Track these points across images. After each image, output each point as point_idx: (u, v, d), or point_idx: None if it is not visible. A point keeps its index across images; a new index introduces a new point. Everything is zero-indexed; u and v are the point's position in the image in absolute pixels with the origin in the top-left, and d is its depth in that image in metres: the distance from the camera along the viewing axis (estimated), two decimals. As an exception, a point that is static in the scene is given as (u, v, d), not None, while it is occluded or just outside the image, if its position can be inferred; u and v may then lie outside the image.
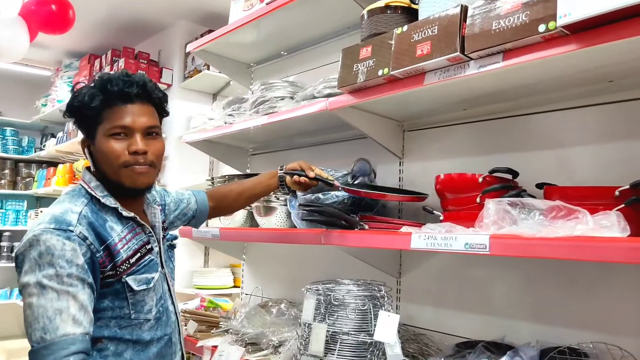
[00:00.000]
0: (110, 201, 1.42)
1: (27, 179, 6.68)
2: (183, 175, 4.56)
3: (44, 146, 6.19)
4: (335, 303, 1.62)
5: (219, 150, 2.83)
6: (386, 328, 1.55)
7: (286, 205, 2.28)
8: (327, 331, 1.59)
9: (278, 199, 2.29)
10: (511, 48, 1.34)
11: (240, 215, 2.53)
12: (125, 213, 1.44)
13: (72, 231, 1.30)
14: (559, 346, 1.44)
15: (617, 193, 1.32)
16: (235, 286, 4.47)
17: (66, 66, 5.75)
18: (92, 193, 1.42)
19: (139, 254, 1.43)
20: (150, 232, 1.52)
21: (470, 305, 1.85)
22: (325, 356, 1.58)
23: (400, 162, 2.15)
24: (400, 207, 2.12)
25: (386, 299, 1.66)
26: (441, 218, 1.68)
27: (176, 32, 4.76)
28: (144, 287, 1.42)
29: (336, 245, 1.77)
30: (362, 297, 1.62)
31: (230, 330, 2.04)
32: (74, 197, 1.41)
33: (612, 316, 1.51)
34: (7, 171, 6.58)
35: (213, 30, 2.90)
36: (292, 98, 2.28)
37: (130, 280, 1.38)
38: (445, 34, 1.47)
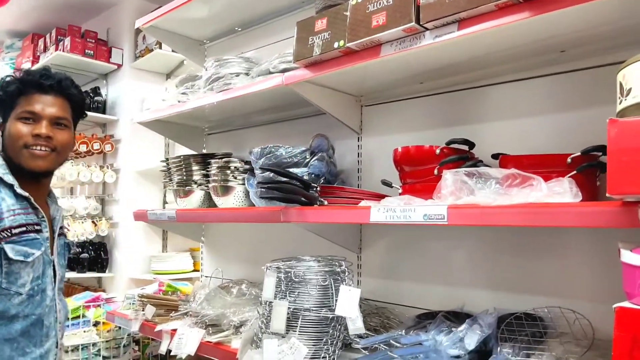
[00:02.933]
0: (8, 178, 1.53)
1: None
2: (137, 158, 4.42)
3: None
4: (296, 280, 1.61)
5: (174, 130, 2.75)
6: (347, 302, 1.55)
7: (244, 184, 2.24)
8: (288, 308, 1.58)
9: (236, 177, 2.24)
10: (466, 17, 1.33)
11: (197, 197, 2.47)
12: (19, 191, 1.53)
13: None
14: (516, 312, 1.47)
15: (569, 160, 1.35)
16: (195, 270, 4.40)
17: (8, 47, 5.45)
18: None
19: (24, 228, 1.51)
20: (43, 217, 1.60)
21: (431, 276, 1.87)
22: (287, 333, 1.57)
23: (358, 138, 2.13)
24: (360, 183, 2.11)
25: (347, 273, 1.66)
26: (400, 191, 1.68)
27: (126, 9, 4.58)
28: (21, 258, 1.49)
29: (296, 223, 1.75)
30: (323, 273, 1.61)
31: (190, 313, 2.00)
32: None
33: (566, 281, 1.55)
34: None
35: (163, 6, 2.79)
36: (247, 74, 2.23)
37: (7, 248, 1.46)
38: (400, 4, 1.45)
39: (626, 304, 0.97)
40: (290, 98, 2.07)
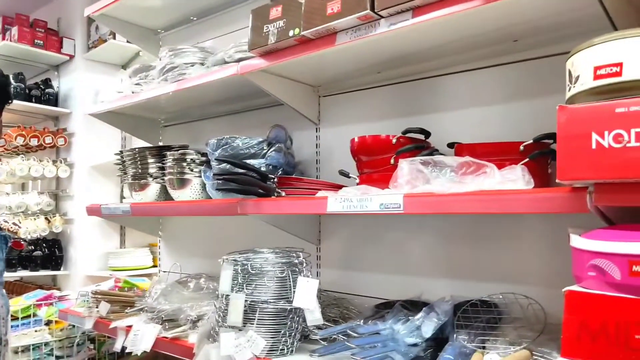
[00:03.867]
0: None
1: None
2: (92, 152, 4.29)
3: None
4: (253, 272, 1.58)
5: (128, 122, 2.67)
6: (305, 294, 1.54)
7: (201, 176, 2.19)
8: (246, 301, 1.55)
9: (192, 170, 2.19)
10: (420, 5, 1.33)
11: (152, 190, 2.41)
12: None
13: None
14: (471, 299, 1.49)
15: (521, 148, 1.36)
16: (154, 266, 4.30)
17: (-49, 36, 5.19)
18: None
19: None
20: None
21: (389, 266, 1.88)
22: (244, 326, 1.54)
23: (316, 129, 2.12)
24: (318, 174, 2.10)
25: (305, 265, 1.64)
26: (357, 181, 1.67)
27: (77, -2, 4.42)
28: None
29: (253, 215, 1.73)
30: (281, 265, 1.59)
31: (146, 309, 1.95)
32: None
33: (520, 267, 1.58)
34: None
35: (115, -6, 2.69)
36: (202, 64, 2.17)
37: None
38: (355, -8, 1.43)
39: (575, 288, 0.98)
40: (246, 88, 2.03)
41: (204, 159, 2.18)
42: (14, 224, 4.11)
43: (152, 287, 2.12)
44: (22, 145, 4.17)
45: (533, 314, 1.41)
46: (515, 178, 1.23)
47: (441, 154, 1.56)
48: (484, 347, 1.30)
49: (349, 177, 1.72)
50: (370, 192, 1.46)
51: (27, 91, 4.19)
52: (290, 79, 1.98)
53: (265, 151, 1.95)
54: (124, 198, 4.44)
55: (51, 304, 2.70)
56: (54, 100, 4.36)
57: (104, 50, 4.21)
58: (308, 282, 1.55)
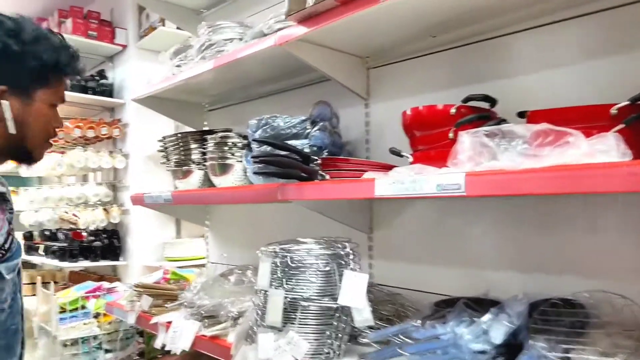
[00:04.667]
0: None
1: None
2: (146, 142, 4.26)
3: (1, 122, 5.84)
4: (294, 265, 1.40)
5: (172, 107, 2.57)
6: (353, 290, 1.34)
7: (242, 161, 2.04)
8: (285, 298, 1.38)
9: (234, 154, 2.04)
10: (481, -60, 1.09)
11: (196, 177, 2.29)
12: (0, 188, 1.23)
13: None
14: (550, 298, 1.25)
15: (613, 111, 1.10)
16: (210, 255, 4.26)
17: (15, 34, 5.35)
18: None
19: (10, 237, 1.20)
20: (11, 209, 1.28)
21: (449, 258, 1.65)
22: (284, 326, 1.37)
23: (365, 104, 1.91)
24: (368, 155, 1.89)
25: (352, 257, 1.45)
26: (410, 160, 1.45)
27: (128, -13, 4.40)
28: (12, 275, 1.21)
29: (294, 201, 1.55)
30: (325, 257, 1.41)
31: (185, 304, 1.82)
32: None
33: (610, 259, 1.31)
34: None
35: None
36: (241, 40, 2.01)
37: (2, 268, 1.17)
38: None
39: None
40: (288, 63, 1.85)
41: (245, 142, 2.02)
42: (74, 214, 4.17)
43: (194, 280, 2.00)
44: (80, 137, 4.21)
45: (631, 317, 1.15)
46: (606, 148, 0.98)
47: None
48: (568, 358, 1.07)
49: (401, 156, 1.50)
50: (425, 172, 1.24)
51: (83, 83, 4.22)
52: (333, 49, 1.78)
53: (308, 131, 1.77)
54: (177, 188, 4.43)
55: (99, 296, 2.66)
56: (109, 91, 4.37)
57: (154, 38, 4.16)
58: (356, 277, 1.36)
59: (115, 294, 2.64)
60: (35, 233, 5.33)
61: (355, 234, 1.80)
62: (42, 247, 4.67)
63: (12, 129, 1.21)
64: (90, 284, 2.87)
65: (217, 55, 1.98)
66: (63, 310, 2.47)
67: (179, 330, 1.72)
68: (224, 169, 2.07)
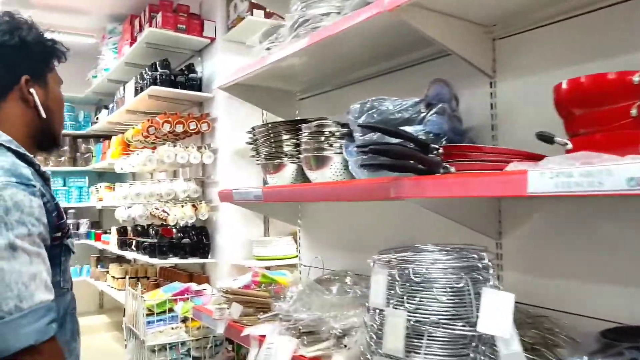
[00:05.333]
0: (30, 158, 1.26)
1: (86, 155, 6.57)
2: (234, 137, 4.15)
3: (97, 119, 6.01)
4: (417, 279, 1.12)
5: (261, 95, 2.36)
6: (496, 314, 1.04)
7: (342, 153, 1.78)
8: (408, 320, 1.10)
9: (332, 145, 1.79)
10: None
11: (288, 171, 2.06)
12: (46, 174, 1.30)
13: (34, 186, 1.16)
14: None
15: None
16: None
17: (110, 32, 5.46)
18: (12, 147, 1.23)
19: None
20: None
21: (612, 273, 1.29)
22: (408, 356, 1.10)
23: (491, 83, 1.58)
24: (495, 143, 1.56)
25: (491, 270, 1.14)
26: (568, 146, 1.12)
27: (217, -21, 4.29)
28: (75, 252, 1.32)
29: (412, 199, 1.26)
30: (456, 270, 1.11)
31: (281, 316, 1.59)
32: (2, 154, 1.21)
33: None
34: (66, 147, 6.49)
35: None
36: (339, 14, 1.75)
37: (69, 242, 1.28)
38: None
39: None
40: (395, 37, 1.58)
41: (345, 130, 1.76)
42: (164, 211, 4.13)
43: (289, 287, 1.77)
44: (169, 132, 4.17)
45: None
46: None
47: None
48: None
49: (553, 143, 1.17)
50: (605, 161, 0.91)
51: (172, 78, 4.17)
52: (452, 15, 1.47)
53: (423, 115, 1.47)
54: (267, 184, 4.28)
55: (187, 299, 2.52)
56: (197, 85, 4.30)
57: (242, 28, 4.01)
58: (499, 297, 1.05)
59: (204, 297, 2.49)
60: (129, 228, 5.43)
61: (479, 239, 1.48)
62: (134, 242, 4.71)
63: (43, 113, 1.31)
64: (177, 285, 2.75)
65: (312, 31, 1.73)
66: (150, 313, 2.35)
67: (273, 347, 1.49)
68: (321, 161, 1.82)
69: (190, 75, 4.27)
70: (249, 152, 4.11)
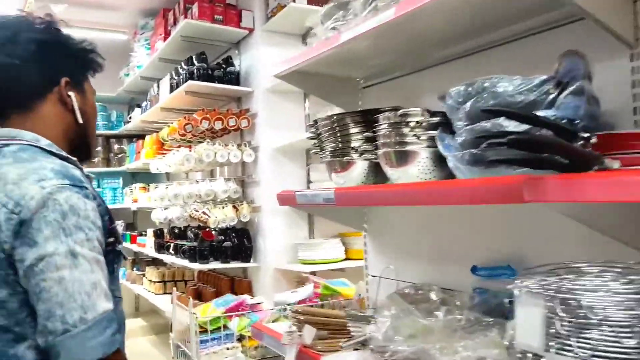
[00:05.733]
0: (75, 161, 1.23)
1: (120, 155, 6.41)
2: (275, 133, 3.89)
3: (131, 118, 5.83)
4: (587, 315, 0.82)
5: (320, 84, 2.08)
6: None
7: (430, 146, 1.49)
8: (580, 372, 0.81)
9: (419, 137, 1.50)
10: None
11: (358, 169, 1.78)
12: (90, 177, 1.26)
13: (87, 188, 1.12)
14: None
15: None
16: (347, 258, 3.79)
17: (142, 27, 5.26)
18: (53, 150, 1.18)
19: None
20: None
21: None
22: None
23: (632, 55, 1.26)
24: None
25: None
26: None
27: (253, -34, 4.04)
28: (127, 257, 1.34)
29: (558, 203, 0.96)
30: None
31: (372, 347, 1.31)
32: (41, 154, 1.15)
33: None
34: (99, 148, 6.33)
35: None
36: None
37: (121, 249, 1.23)
38: None
39: None
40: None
41: (436, 119, 1.47)
42: (204, 212, 3.90)
43: (361, 297, 1.48)
44: (207, 130, 3.93)
45: None
46: None
47: None
48: None
49: None
50: None
51: (209, 72, 3.93)
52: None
53: (552, 96, 1.17)
54: (311, 182, 4.00)
55: (243, 314, 2.26)
56: (235, 79, 4.06)
57: (283, 17, 3.75)
58: None
59: (261, 312, 2.23)
60: (165, 230, 5.23)
61: (627, 254, 1.17)
62: (172, 245, 4.51)
63: (80, 118, 1.27)
64: (230, 298, 2.50)
65: (399, 3, 1.44)
66: (204, 330, 2.11)
67: (366, 387, 1.21)
68: (404, 157, 1.53)
69: (229, 68, 4.03)
70: (291, 149, 3.87)
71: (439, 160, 1.50)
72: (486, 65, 1.64)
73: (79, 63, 1.32)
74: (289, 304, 2.00)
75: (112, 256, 1.18)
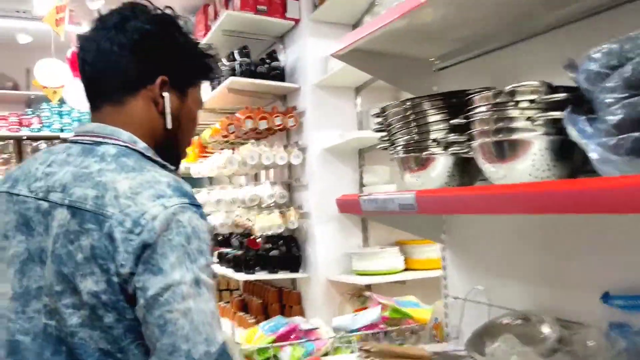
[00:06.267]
0: (173, 170, 1.13)
1: (162, 160, 6.24)
2: (324, 134, 3.55)
3: (172, 121, 5.62)
4: None
5: (386, 65, 1.73)
6: None
7: (551, 134, 1.12)
8: None
9: (533, 122, 1.13)
10: None
11: (440, 167, 1.42)
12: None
13: (201, 207, 1.02)
14: None
15: None
16: (407, 269, 3.41)
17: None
18: (150, 156, 1.08)
19: None
20: None
21: None
22: None
23: None
24: None
25: None
26: None
27: (299, -48, 3.72)
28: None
29: None
30: None
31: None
32: (146, 162, 1.05)
33: None
34: (141, 154, 6.17)
35: None
36: None
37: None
38: None
39: None
40: None
41: (561, 96, 1.09)
42: (248, 219, 3.60)
43: (472, 347, 1.12)
44: (251, 130, 3.63)
45: None
46: None
47: None
48: None
49: None
50: None
51: (252, 68, 3.64)
52: None
53: None
54: (364, 186, 3.63)
55: (297, 343, 1.93)
56: (280, 75, 3.74)
57: (331, 6, 3.42)
58: None
59: (318, 341, 1.89)
60: (208, 238, 4.98)
61: None
62: (215, 253, 4.24)
63: (169, 124, 1.15)
64: (280, 322, 2.16)
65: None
66: (250, 361, 1.79)
67: None
68: (511, 149, 1.16)
69: (273, 63, 3.72)
70: (341, 150, 3.52)
71: (560, 153, 1.13)
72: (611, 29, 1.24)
73: (186, 65, 1.18)
74: (351, 331, 1.65)
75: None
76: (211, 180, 5.61)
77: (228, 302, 4.75)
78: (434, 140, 1.42)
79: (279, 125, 3.58)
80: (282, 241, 3.66)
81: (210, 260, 0.99)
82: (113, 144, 1.05)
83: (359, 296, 3.62)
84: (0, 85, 5.52)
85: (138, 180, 0.98)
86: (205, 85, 4.24)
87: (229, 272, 3.76)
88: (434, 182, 1.44)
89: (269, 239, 3.68)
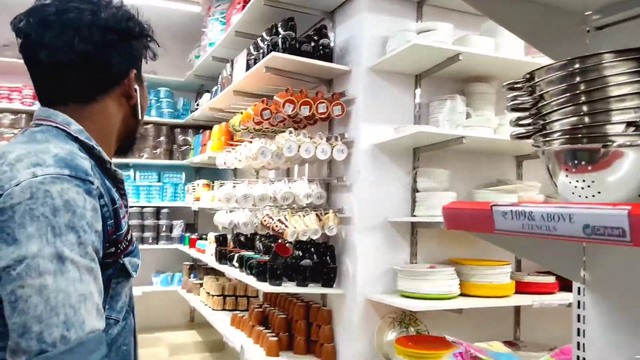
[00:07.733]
0: (104, 154, 1.08)
1: (184, 147, 5.74)
2: (375, 127, 3.01)
3: (198, 105, 5.12)
4: None
5: (522, 14, 1.17)
6: None
7: None
8: None
9: None
10: None
11: (626, 167, 0.87)
12: (119, 174, 1.11)
13: (92, 183, 0.95)
14: None
15: None
16: (463, 294, 2.85)
17: (217, 0, 4.55)
18: (80, 138, 1.05)
19: (131, 231, 1.10)
20: (127, 205, 1.15)
21: None
22: None
23: None
24: None
25: None
26: None
27: None
28: (134, 274, 1.09)
29: None
30: None
31: None
32: (58, 138, 1.02)
33: None
34: (162, 138, 5.68)
35: None
36: None
37: (127, 262, 1.06)
38: None
39: None
40: None
41: None
42: (280, 221, 3.07)
43: None
44: (289, 117, 3.11)
45: None
46: None
47: None
48: None
49: None
50: None
51: (296, 45, 3.11)
52: None
53: None
54: (417, 192, 3.06)
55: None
56: (328, 55, 3.21)
57: (396, -25, 2.88)
58: None
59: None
60: (229, 237, 4.47)
61: None
62: (236, 256, 3.72)
63: (140, 114, 1.19)
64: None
65: None
66: None
67: None
68: None
69: (321, 40, 3.18)
70: (394, 148, 2.96)
71: None
72: None
73: (142, 52, 1.19)
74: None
75: (113, 271, 1.04)
76: (235, 173, 5.10)
77: (246, 310, 4.24)
78: (623, 123, 0.87)
79: (322, 114, 3.05)
80: (314, 249, 3.12)
81: (90, 240, 0.91)
82: (46, 124, 1.05)
83: (401, 321, 3.08)
84: (14, 53, 4.85)
85: (27, 149, 0.94)
86: (239, 66, 3.75)
87: (250, 281, 3.24)
88: (618, 190, 0.89)
89: (299, 245, 3.14)
